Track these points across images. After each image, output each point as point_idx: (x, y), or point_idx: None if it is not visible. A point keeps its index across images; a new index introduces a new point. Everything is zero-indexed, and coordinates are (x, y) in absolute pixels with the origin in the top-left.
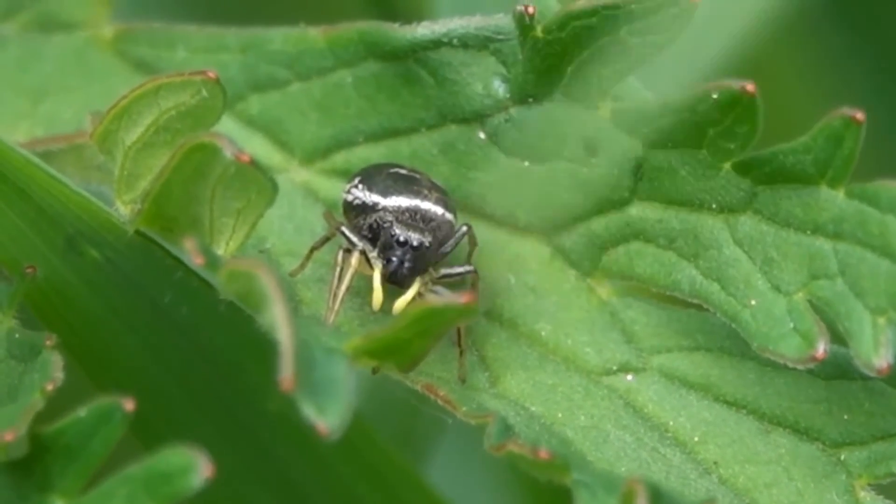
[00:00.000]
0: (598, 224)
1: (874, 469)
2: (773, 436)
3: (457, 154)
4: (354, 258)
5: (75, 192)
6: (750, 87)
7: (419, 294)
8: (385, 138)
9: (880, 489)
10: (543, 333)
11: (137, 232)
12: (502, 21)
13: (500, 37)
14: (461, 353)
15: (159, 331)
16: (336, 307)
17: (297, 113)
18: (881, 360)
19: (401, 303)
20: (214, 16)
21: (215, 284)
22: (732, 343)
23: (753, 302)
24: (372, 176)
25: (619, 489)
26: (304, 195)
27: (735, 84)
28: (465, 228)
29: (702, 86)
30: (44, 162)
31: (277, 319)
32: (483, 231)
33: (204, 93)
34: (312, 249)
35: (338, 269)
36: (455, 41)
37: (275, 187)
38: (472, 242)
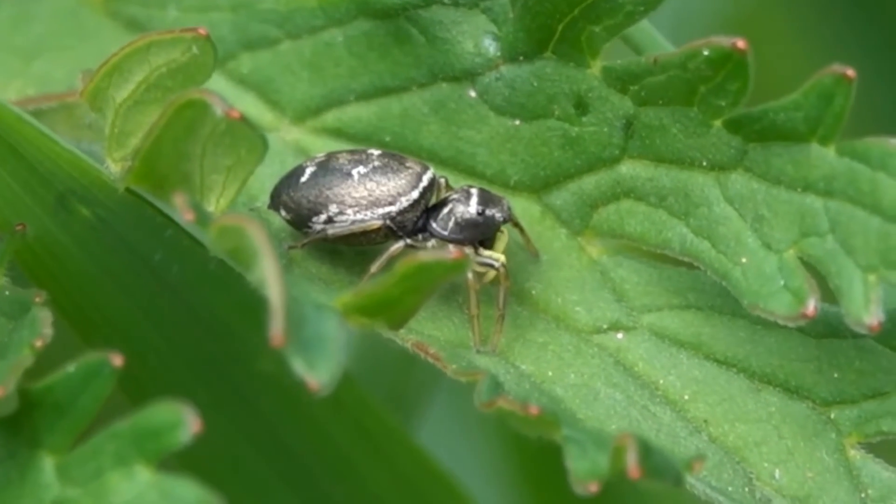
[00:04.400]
0: (589, 182)
1: (864, 428)
2: (764, 394)
3: (447, 112)
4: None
5: (66, 149)
6: (741, 43)
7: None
8: (376, 97)
9: (870, 448)
10: (534, 292)
11: (128, 189)
12: None
13: None
14: (474, 318)
15: (149, 289)
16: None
17: (288, 72)
18: (872, 318)
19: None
20: None
21: (205, 241)
22: (723, 301)
23: (744, 259)
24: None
25: (610, 445)
26: (295, 154)
27: (726, 41)
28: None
29: (693, 43)
30: (35, 120)
31: (267, 275)
32: None
33: (195, 50)
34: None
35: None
36: None
37: (265, 144)
38: None
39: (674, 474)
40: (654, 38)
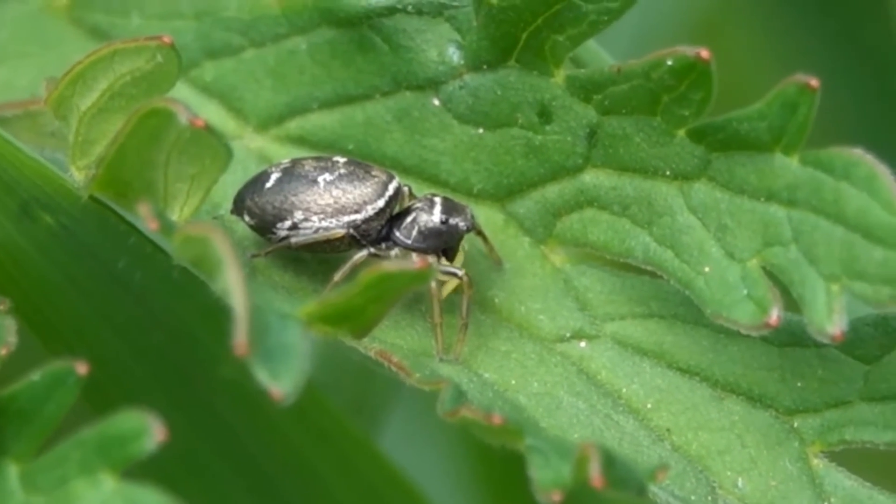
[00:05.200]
0: (552, 191)
1: (827, 436)
2: (727, 403)
3: (411, 121)
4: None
5: (30, 157)
6: (704, 53)
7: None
8: (339, 105)
9: (833, 456)
10: (497, 300)
11: (92, 197)
12: None
13: (455, 3)
14: (437, 326)
15: (113, 296)
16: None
17: (251, 80)
18: (835, 327)
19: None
20: None
21: (169, 250)
22: (686, 310)
23: (707, 269)
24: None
25: (573, 455)
26: (259, 161)
27: (689, 51)
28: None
29: (656, 52)
30: None
31: (231, 284)
32: None
33: (159, 58)
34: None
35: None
36: (409, 7)
37: (229, 152)
38: None
39: (637, 484)
40: (602, 58)
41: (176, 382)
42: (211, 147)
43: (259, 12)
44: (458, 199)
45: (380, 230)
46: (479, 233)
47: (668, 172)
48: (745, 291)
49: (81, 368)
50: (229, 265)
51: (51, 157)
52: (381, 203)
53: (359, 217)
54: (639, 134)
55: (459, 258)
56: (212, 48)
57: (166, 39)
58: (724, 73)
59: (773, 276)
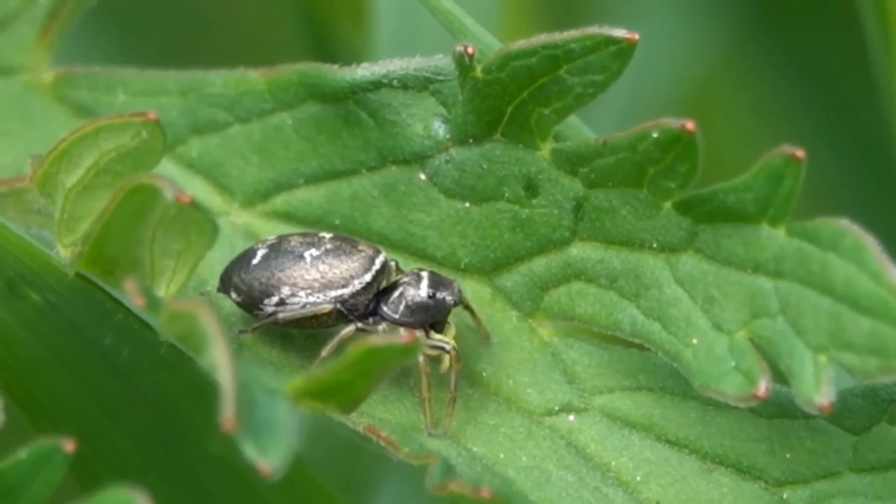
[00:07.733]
0: (539, 264)
1: None
2: (716, 475)
3: (397, 195)
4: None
5: (16, 235)
6: (690, 125)
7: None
8: (325, 180)
9: None
10: (485, 374)
11: (78, 274)
12: (442, 62)
13: (440, 77)
14: (426, 400)
15: (100, 373)
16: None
17: (237, 155)
18: (823, 399)
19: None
20: (154, 59)
21: (156, 326)
22: (674, 382)
23: (695, 341)
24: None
25: None
26: (245, 238)
27: (675, 123)
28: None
29: (642, 125)
30: None
31: (218, 360)
32: None
33: (144, 134)
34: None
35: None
36: (395, 82)
37: (215, 228)
38: None
39: None
40: (584, 133)
41: (164, 458)
42: (197, 223)
43: (244, 88)
44: (445, 273)
45: (367, 305)
46: (467, 307)
47: (654, 245)
48: (733, 363)
49: (68, 446)
50: (216, 341)
51: (37, 234)
52: (367, 277)
53: (346, 292)
54: (625, 206)
55: (449, 332)
56: (197, 124)
57: (151, 116)
58: (711, 146)
59: (760, 347)
